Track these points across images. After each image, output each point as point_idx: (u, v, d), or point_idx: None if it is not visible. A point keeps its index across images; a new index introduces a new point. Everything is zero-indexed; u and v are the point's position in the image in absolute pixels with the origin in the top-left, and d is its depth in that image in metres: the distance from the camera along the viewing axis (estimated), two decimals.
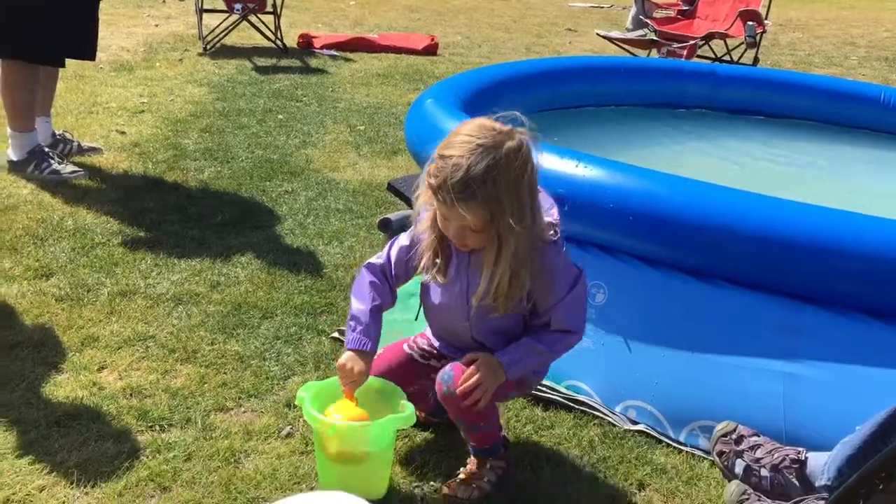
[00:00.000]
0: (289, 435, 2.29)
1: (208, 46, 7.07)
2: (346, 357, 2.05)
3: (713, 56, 7.51)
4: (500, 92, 3.92)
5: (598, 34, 7.90)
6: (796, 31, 11.13)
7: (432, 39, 8.00)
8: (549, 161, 2.67)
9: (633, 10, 8.23)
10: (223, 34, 7.19)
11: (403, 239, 2.15)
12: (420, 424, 2.31)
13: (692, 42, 7.16)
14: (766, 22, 7.32)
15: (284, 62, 6.92)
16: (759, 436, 2.19)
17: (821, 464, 1.95)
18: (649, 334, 2.52)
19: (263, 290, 3.05)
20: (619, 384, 2.51)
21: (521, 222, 1.87)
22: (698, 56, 7.30)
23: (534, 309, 2.04)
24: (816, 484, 1.96)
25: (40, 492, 2.00)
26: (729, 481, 2.15)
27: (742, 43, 7.34)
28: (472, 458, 2.16)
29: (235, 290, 3.05)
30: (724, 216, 2.41)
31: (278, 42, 7.27)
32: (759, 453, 2.12)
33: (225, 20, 7.17)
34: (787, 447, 2.12)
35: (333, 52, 7.42)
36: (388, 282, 2.14)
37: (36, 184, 3.86)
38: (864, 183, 4.11)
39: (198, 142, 4.68)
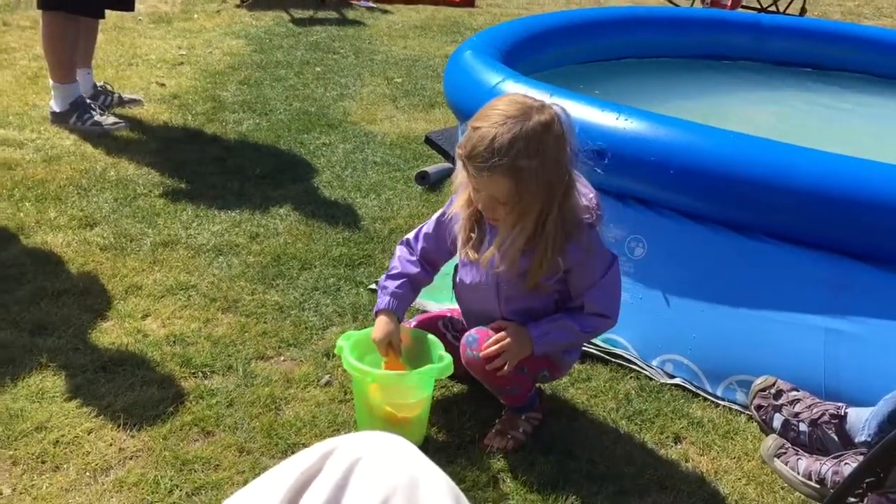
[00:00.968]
0: (328, 383, 2.32)
1: None
2: (376, 324, 2.11)
3: (758, 6, 7.30)
4: (540, 44, 3.87)
5: None
6: None
7: None
8: (589, 113, 2.64)
9: None
10: None
11: (439, 214, 2.18)
12: (457, 376, 2.33)
13: None
14: None
15: (321, 14, 6.87)
16: (798, 390, 2.17)
17: (861, 419, 1.94)
18: (688, 289, 2.51)
19: (302, 242, 3.08)
20: (656, 338, 2.51)
21: (550, 194, 1.87)
22: (743, 6, 7.10)
23: (567, 293, 2.05)
24: (856, 440, 1.95)
25: (88, 434, 2.07)
26: (766, 435, 2.14)
27: None
28: (506, 410, 2.18)
29: (274, 241, 3.08)
30: (769, 170, 2.36)
31: None
32: (797, 408, 2.11)
33: None
34: (826, 402, 2.11)
35: (370, 4, 7.35)
36: (415, 253, 2.18)
37: (78, 135, 3.91)
38: None
39: (236, 94, 4.69)
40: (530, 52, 3.75)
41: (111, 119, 4.02)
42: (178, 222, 3.17)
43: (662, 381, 2.43)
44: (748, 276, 2.42)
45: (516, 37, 3.72)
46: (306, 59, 5.48)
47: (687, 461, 2.14)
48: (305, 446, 2.02)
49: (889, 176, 2.29)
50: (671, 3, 7.29)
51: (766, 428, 2.16)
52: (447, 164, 3.76)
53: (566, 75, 3.92)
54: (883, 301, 2.26)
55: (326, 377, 2.35)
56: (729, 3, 6.86)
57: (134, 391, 2.23)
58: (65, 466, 1.96)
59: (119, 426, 2.09)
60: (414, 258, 2.19)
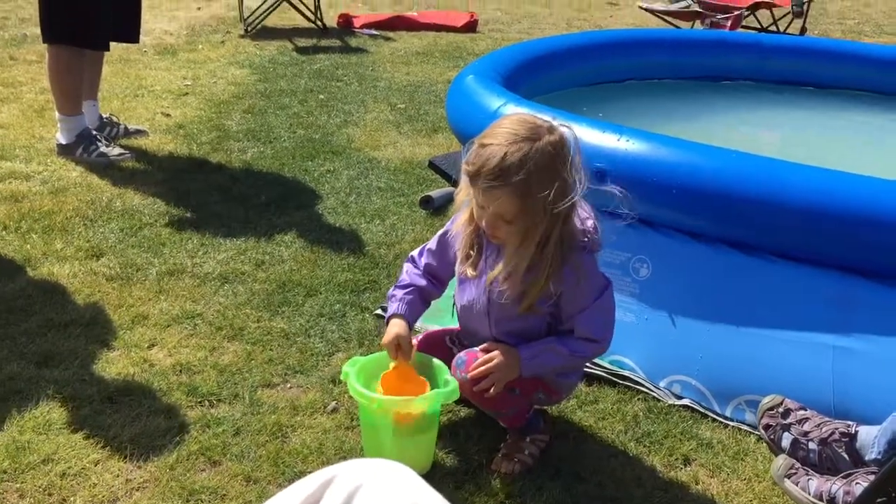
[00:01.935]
0: (334, 410, 2.32)
1: (249, 28, 7.12)
2: (386, 330, 2.11)
3: (759, 26, 7.34)
4: (541, 67, 3.89)
5: (640, 7, 7.77)
6: None
7: (472, 16, 7.95)
8: (591, 135, 2.65)
9: None
10: (264, 15, 7.23)
11: (442, 231, 2.20)
12: (464, 400, 2.32)
13: (737, 12, 7.00)
14: None
15: (325, 42, 6.94)
16: (806, 409, 2.16)
17: (871, 437, 1.92)
18: (694, 308, 2.50)
19: (307, 269, 3.08)
20: (663, 359, 2.50)
21: (553, 216, 1.88)
22: (743, 27, 7.14)
23: (559, 315, 2.05)
24: (866, 458, 1.93)
25: (95, 465, 2.06)
26: (776, 455, 2.12)
27: (789, 12, 7.16)
28: (510, 433, 2.18)
29: (280, 268, 3.08)
30: (772, 188, 2.37)
31: (318, 22, 7.29)
32: (806, 427, 2.10)
33: (265, 2, 7.20)
34: (835, 421, 2.09)
35: (373, 31, 7.41)
36: (419, 268, 2.20)
37: (84, 166, 3.94)
38: None
39: (241, 123, 4.73)
40: (532, 75, 3.77)
41: (117, 150, 4.05)
42: (184, 251, 3.18)
43: (670, 402, 2.42)
44: (753, 294, 2.41)
45: (518, 61, 3.75)
46: (310, 87, 5.53)
47: (697, 483, 2.12)
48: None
49: (891, 192, 2.29)
50: (672, 24, 7.33)
51: (776, 448, 2.14)
52: (451, 189, 3.77)
53: (568, 98, 3.94)
54: (889, 317, 2.25)
55: (333, 404, 2.34)
56: (729, 25, 6.90)
57: (140, 421, 2.22)
58: (72, 499, 1.96)
59: (126, 457, 2.09)
60: (419, 272, 2.21)
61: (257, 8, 7.18)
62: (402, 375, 2.08)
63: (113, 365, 2.47)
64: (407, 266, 2.24)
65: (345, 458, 2.11)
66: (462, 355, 2.08)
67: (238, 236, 3.32)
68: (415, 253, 2.25)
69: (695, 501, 2.05)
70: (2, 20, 7.01)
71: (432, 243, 2.21)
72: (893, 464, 1.49)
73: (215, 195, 3.72)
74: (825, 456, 2.04)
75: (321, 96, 5.35)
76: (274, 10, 7.26)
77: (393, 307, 2.15)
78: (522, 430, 2.16)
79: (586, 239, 1.98)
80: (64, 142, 4.03)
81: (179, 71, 5.80)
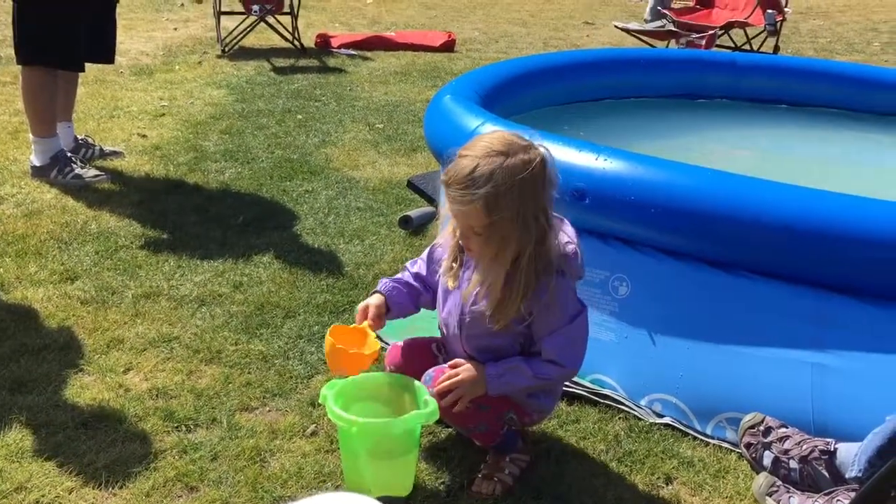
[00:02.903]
0: (313, 433, 2.29)
1: (226, 48, 7.10)
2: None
3: (733, 45, 7.43)
4: (519, 86, 3.91)
5: (615, 26, 7.85)
6: (817, 18, 11.00)
7: (449, 36, 7.98)
8: (568, 154, 2.66)
9: (651, 1, 8.17)
10: (241, 36, 7.22)
11: (434, 242, 2.25)
12: (444, 421, 2.31)
13: (711, 32, 7.09)
14: (786, 9, 7.23)
15: (302, 62, 6.94)
16: (786, 427, 2.16)
17: (851, 455, 1.92)
18: (673, 327, 2.50)
19: (286, 290, 3.06)
20: (643, 377, 2.50)
21: (525, 233, 1.89)
22: (718, 45, 7.22)
23: (531, 336, 2.05)
24: (847, 475, 1.93)
25: (69, 493, 2.02)
26: (757, 473, 2.12)
27: (762, 31, 7.26)
28: (491, 454, 2.17)
29: (258, 290, 3.06)
30: (749, 206, 2.38)
31: (296, 42, 7.29)
32: (787, 444, 2.10)
33: (242, 22, 7.20)
34: (815, 438, 2.09)
35: (351, 52, 7.42)
36: (409, 273, 2.25)
37: (59, 188, 3.90)
38: (891, 169, 4.05)
39: (218, 143, 4.70)
40: (510, 95, 3.78)
41: (92, 172, 4.02)
42: (160, 274, 3.15)
43: (651, 420, 2.42)
44: (732, 312, 2.42)
45: (495, 80, 3.76)
46: (288, 107, 5.52)
47: (679, 502, 2.11)
48: (292, 499, 2.00)
49: (866, 209, 2.31)
50: (647, 44, 7.41)
51: (757, 466, 2.14)
52: (430, 209, 3.77)
53: (546, 117, 3.96)
54: (865, 334, 2.26)
55: (312, 427, 2.32)
56: (704, 43, 6.98)
57: (116, 447, 2.19)
58: None
59: (100, 484, 2.05)
60: (411, 275, 2.25)
61: (234, 28, 7.18)
62: (354, 332, 2.09)
63: (87, 390, 2.43)
64: (402, 270, 2.29)
65: (324, 482, 2.11)
66: (430, 372, 2.10)
67: (215, 258, 3.29)
68: (408, 263, 2.30)
69: None
70: None
71: (424, 254, 2.26)
72: (873, 482, 1.49)
73: (192, 216, 3.69)
74: (806, 474, 2.04)
75: (299, 116, 5.34)
76: (251, 30, 7.26)
77: (377, 287, 2.20)
78: (500, 448, 2.15)
79: (563, 263, 1.99)
80: (38, 164, 3.99)
81: (156, 92, 5.77)
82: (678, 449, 2.31)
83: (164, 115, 5.23)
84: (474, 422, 2.10)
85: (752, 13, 7.17)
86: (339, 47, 7.53)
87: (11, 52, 4.06)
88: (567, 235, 2.03)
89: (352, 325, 2.13)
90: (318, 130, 5.06)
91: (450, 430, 2.33)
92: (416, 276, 2.25)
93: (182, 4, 9.43)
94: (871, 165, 4.13)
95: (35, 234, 3.40)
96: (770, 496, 1.98)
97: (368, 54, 7.39)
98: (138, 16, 8.71)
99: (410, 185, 4.07)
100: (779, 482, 2.01)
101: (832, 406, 2.23)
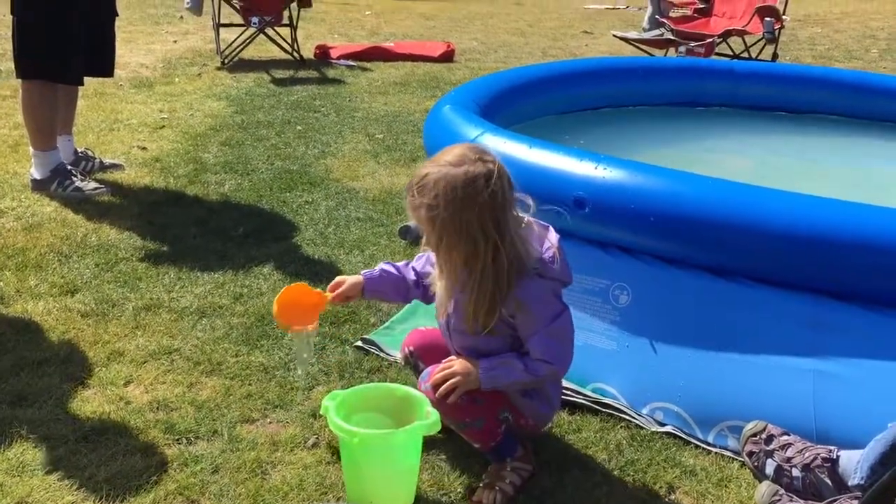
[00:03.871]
0: (315, 445, 2.29)
1: (226, 60, 7.13)
2: None
3: (731, 53, 7.45)
4: (518, 96, 3.91)
5: (614, 35, 7.87)
6: (815, 25, 11.03)
7: (448, 46, 8.01)
8: (568, 163, 2.67)
9: (649, 10, 8.19)
10: (241, 48, 7.24)
11: None
12: (447, 430, 2.30)
13: (710, 40, 7.11)
14: (783, 17, 7.25)
15: (302, 74, 6.95)
16: (789, 435, 2.15)
17: (853, 462, 1.92)
18: (674, 335, 2.50)
19: None
20: (645, 386, 2.49)
21: (469, 243, 1.96)
22: (716, 54, 7.24)
23: (519, 338, 2.11)
24: (849, 483, 1.92)
25: None
26: (760, 482, 2.11)
27: (760, 39, 7.28)
28: (492, 463, 2.17)
29: (258, 301, 3.06)
30: (749, 214, 2.38)
31: (295, 54, 7.32)
32: (789, 452, 2.09)
33: (242, 34, 7.22)
34: (818, 446, 2.09)
35: (350, 63, 7.45)
36: (411, 264, 2.33)
37: (59, 202, 3.90)
38: (890, 176, 4.06)
39: (218, 155, 4.71)
40: (509, 104, 3.79)
41: (92, 185, 4.02)
42: (161, 286, 3.15)
43: (653, 429, 2.41)
44: (733, 320, 2.42)
45: (495, 90, 3.77)
46: (287, 119, 5.53)
47: None
48: None
49: (864, 215, 2.31)
50: (646, 52, 7.43)
51: (759, 474, 2.13)
52: None
53: (546, 126, 3.97)
54: (865, 340, 2.26)
55: (313, 438, 2.31)
56: (703, 52, 7.00)
57: (116, 461, 2.18)
58: None
59: (101, 498, 2.04)
60: (411, 266, 2.33)
61: (234, 40, 7.20)
62: (310, 300, 2.19)
63: (88, 403, 2.42)
64: (416, 258, 2.36)
65: (325, 494, 2.10)
66: (426, 370, 2.15)
67: (216, 269, 3.29)
68: (418, 255, 2.36)
69: None
70: None
71: (423, 255, 2.31)
72: (875, 489, 1.49)
73: (192, 228, 3.69)
74: (809, 482, 2.04)
75: (299, 127, 5.35)
76: (251, 42, 7.28)
77: (376, 267, 2.31)
78: (499, 453, 2.16)
79: (541, 267, 2.03)
80: (38, 177, 4.00)
81: (156, 104, 5.79)
82: (680, 458, 2.30)
83: (163, 127, 5.24)
84: (470, 415, 2.10)
85: (749, 21, 7.19)
86: (338, 58, 7.55)
87: (11, 65, 4.07)
88: (549, 241, 2.08)
89: (317, 290, 2.25)
90: (317, 141, 5.07)
91: (452, 440, 2.32)
92: (415, 270, 2.32)
93: (181, 17, 9.46)
94: (870, 172, 4.13)
95: (35, 248, 3.40)
96: None
97: (367, 65, 7.41)
98: (138, 28, 8.74)
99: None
100: (781, 491, 2.00)
101: (834, 413, 2.22)
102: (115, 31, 4.21)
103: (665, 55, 7.40)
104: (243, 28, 7.19)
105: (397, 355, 2.70)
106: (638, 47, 7.58)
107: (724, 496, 2.16)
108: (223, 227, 3.72)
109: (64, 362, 2.62)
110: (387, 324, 2.93)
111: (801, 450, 2.08)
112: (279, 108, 5.80)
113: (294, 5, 7.25)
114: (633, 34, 7.91)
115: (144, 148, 4.80)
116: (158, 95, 6.03)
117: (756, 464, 2.15)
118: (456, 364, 2.09)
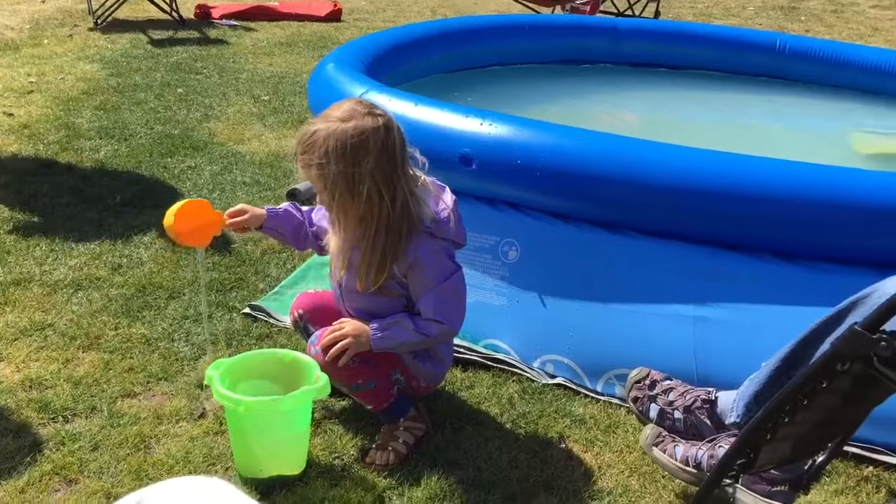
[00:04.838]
0: (202, 416, 2.22)
1: (99, 21, 6.74)
2: None
3: (616, 11, 7.57)
4: (405, 54, 3.85)
5: None
6: None
7: (335, 5, 7.82)
8: (454, 120, 2.64)
9: None
10: (114, 7, 6.86)
11: None
12: (338, 393, 2.27)
13: None
14: None
15: (182, 34, 6.66)
16: (671, 379, 2.22)
17: (730, 402, 1.99)
18: (562, 288, 2.53)
19: (169, 270, 2.94)
20: (535, 340, 2.52)
21: (361, 199, 1.94)
22: (601, 11, 7.34)
23: (412, 299, 2.09)
24: (727, 422, 2.00)
25: None
26: (644, 426, 2.18)
27: None
28: (384, 424, 2.16)
29: (139, 271, 2.93)
30: (632, 167, 2.42)
31: (174, 13, 6.99)
32: (671, 396, 2.16)
33: None
34: (698, 388, 2.16)
35: (233, 22, 7.17)
36: (313, 214, 2.30)
37: None
38: (765, 128, 4.22)
39: (92, 120, 4.47)
40: (396, 63, 3.73)
41: None
42: (32, 259, 2.97)
43: (544, 381, 2.45)
44: (617, 271, 2.47)
45: (380, 48, 3.69)
46: (167, 81, 5.29)
47: (571, 459, 2.15)
48: None
49: (739, 165, 2.38)
50: (533, 10, 7.46)
51: (644, 419, 2.20)
52: None
53: (435, 84, 3.93)
54: (747, 286, 2.35)
55: (200, 409, 2.24)
56: (588, 9, 7.07)
57: None
58: None
59: None
60: (310, 216, 2.30)
61: None
62: (207, 217, 2.14)
63: None
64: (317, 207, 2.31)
65: (213, 465, 2.04)
66: (316, 332, 2.10)
67: (91, 240, 3.13)
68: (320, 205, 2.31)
69: (570, 477, 2.08)
70: None
71: (322, 208, 2.25)
72: (749, 426, 1.55)
73: (65, 197, 3.49)
74: (690, 423, 2.11)
75: (179, 90, 5.13)
76: (125, 1, 6.92)
77: (280, 205, 2.26)
78: (391, 413, 2.14)
79: (434, 227, 2.01)
80: None
81: (23, 68, 5.43)
82: (570, 408, 2.35)
83: (32, 91, 4.93)
84: (363, 377, 2.08)
85: None
86: (220, 18, 7.27)
87: None
88: (444, 202, 2.05)
89: (216, 211, 2.17)
90: (200, 104, 4.87)
91: (343, 403, 2.30)
92: (312, 221, 2.28)
93: None
94: (747, 125, 4.28)
95: None
96: (656, 446, 2.03)
97: (252, 25, 7.16)
98: None
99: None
100: (664, 432, 2.07)
101: (712, 356, 2.31)
102: None
103: (552, 13, 7.45)
104: None
105: (287, 320, 2.65)
106: (526, 5, 7.60)
107: (612, 442, 2.21)
108: (99, 195, 3.54)
109: None
110: (276, 289, 2.86)
111: (683, 393, 2.15)
112: (158, 70, 5.55)
113: None
114: None
115: (11, 114, 4.51)
116: (25, 59, 5.66)
117: (641, 409, 2.21)
118: (347, 326, 2.05)
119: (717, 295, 2.37)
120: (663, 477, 2.08)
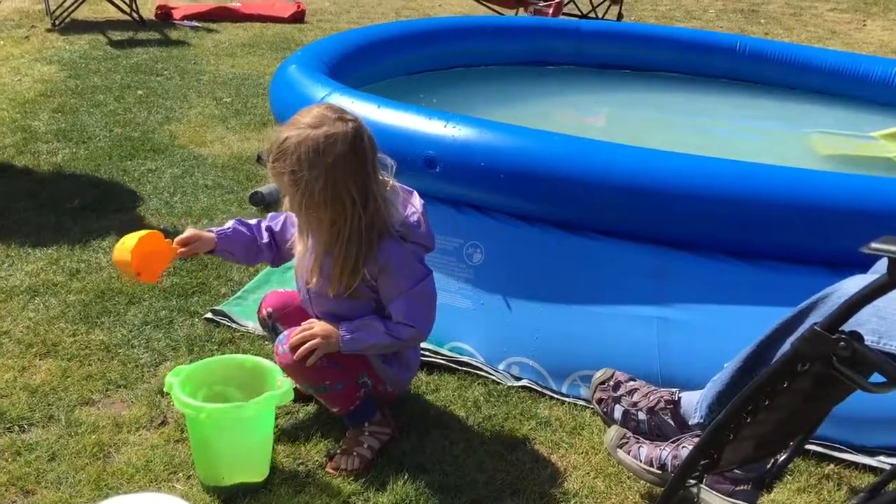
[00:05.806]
0: (162, 423, 2.18)
1: (57, 22, 6.63)
2: None
3: (579, 13, 7.61)
4: (368, 56, 3.84)
5: None
6: None
7: (299, 6, 7.77)
8: (417, 122, 2.63)
9: None
10: (73, 8, 6.75)
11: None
12: (302, 398, 2.25)
13: (558, 0, 7.22)
14: None
15: (142, 35, 6.57)
16: (635, 380, 2.23)
17: (693, 402, 2.00)
18: (527, 290, 2.54)
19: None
20: (500, 342, 2.52)
21: (334, 205, 1.92)
22: (564, 14, 7.38)
23: (382, 303, 2.08)
24: (690, 423, 2.01)
25: None
26: (609, 427, 2.18)
27: (606, 0, 7.46)
28: (349, 428, 2.14)
29: (97, 276, 2.88)
30: (591, 168, 2.43)
31: (134, 14, 6.89)
32: (635, 397, 2.17)
33: None
34: (661, 389, 2.17)
35: (195, 24, 7.09)
36: (261, 223, 2.24)
37: None
38: (725, 130, 4.26)
39: (49, 123, 4.38)
40: (359, 65, 3.71)
41: None
42: None
43: (510, 384, 2.45)
44: (581, 273, 2.48)
45: (344, 50, 3.68)
46: (127, 83, 5.21)
47: (536, 461, 2.15)
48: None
49: (698, 167, 2.41)
50: (496, 12, 7.47)
51: (609, 420, 2.20)
52: None
53: (399, 87, 3.92)
54: (702, 287, 2.37)
55: (161, 417, 2.21)
56: (551, 11, 7.10)
57: None
58: None
59: None
60: (263, 225, 2.24)
61: (65, 0, 6.70)
62: (158, 248, 2.07)
63: None
64: (269, 217, 2.27)
65: (175, 473, 2.01)
66: (284, 332, 2.07)
67: (49, 245, 3.06)
68: (274, 213, 2.28)
69: (535, 480, 2.08)
70: None
71: (281, 214, 2.22)
72: (712, 427, 1.56)
73: (22, 202, 3.42)
74: (654, 424, 2.12)
75: (140, 92, 5.06)
76: (84, 1, 6.80)
77: (224, 225, 2.19)
78: (356, 417, 2.12)
79: (405, 230, 2.01)
80: None
81: None
82: (535, 410, 2.35)
83: None
84: (330, 378, 2.05)
85: None
86: (181, 19, 7.18)
87: None
88: (413, 206, 2.05)
89: (167, 240, 2.10)
90: (160, 106, 4.81)
91: (308, 409, 2.27)
92: (269, 229, 2.23)
93: None
94: (708, 127, 4.33)
95: None
96: (621, 448, 2.04)
97: (213, 26, 7.09)
98: None
99: (260, 159, 3.94)
100: (629, 434, 2.07)
101: (676, 357, 2.32)
102: None
103: (516, 14, 7.47)
104: None
105: (250, 325, 2.62)
106: (489, 7, 7.61)
107: (577, 444, 2.22)
108: (57, 199, 3.47)
109: None
110: (238, 293, 2.82)
111: (647, 394, 2.16)
112: (117, 71, 5.46)
113: None
114: None
115: None
116: None
117: (605, 410, 2.21)
118: (316, 326, 2.03)
119: (678, 296, 2.39)
120: (629, 478, 2.09)
